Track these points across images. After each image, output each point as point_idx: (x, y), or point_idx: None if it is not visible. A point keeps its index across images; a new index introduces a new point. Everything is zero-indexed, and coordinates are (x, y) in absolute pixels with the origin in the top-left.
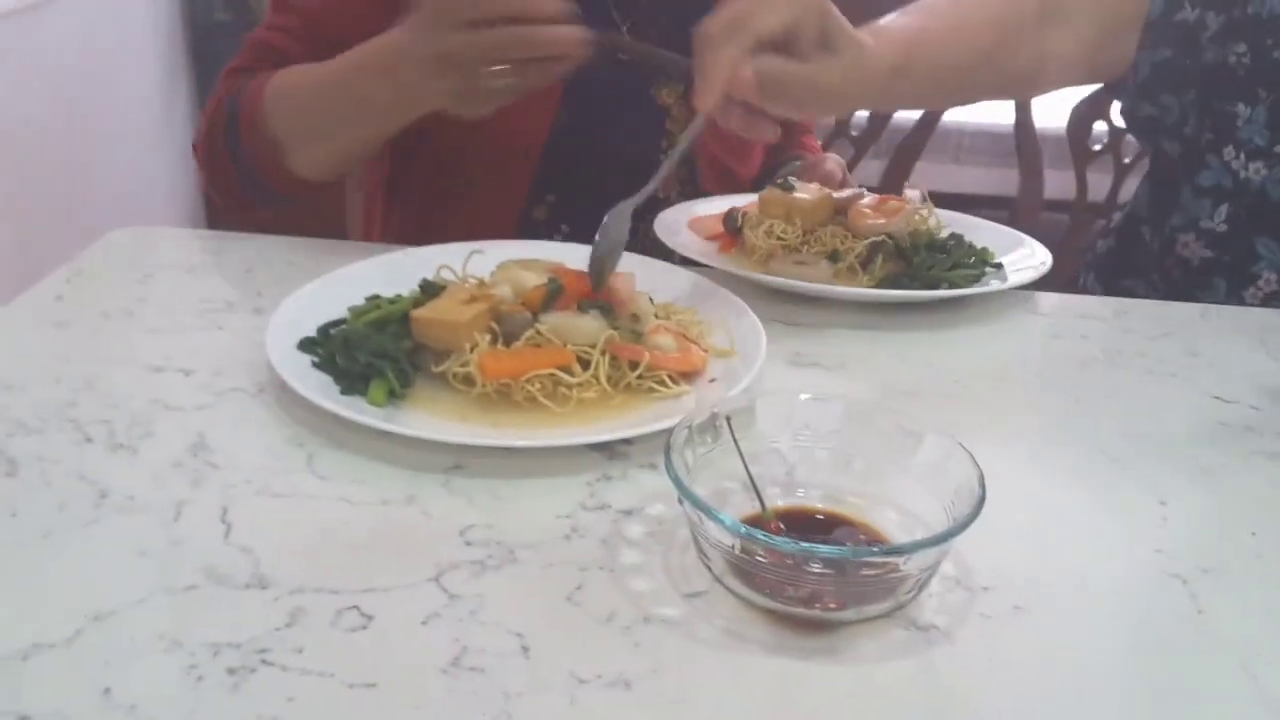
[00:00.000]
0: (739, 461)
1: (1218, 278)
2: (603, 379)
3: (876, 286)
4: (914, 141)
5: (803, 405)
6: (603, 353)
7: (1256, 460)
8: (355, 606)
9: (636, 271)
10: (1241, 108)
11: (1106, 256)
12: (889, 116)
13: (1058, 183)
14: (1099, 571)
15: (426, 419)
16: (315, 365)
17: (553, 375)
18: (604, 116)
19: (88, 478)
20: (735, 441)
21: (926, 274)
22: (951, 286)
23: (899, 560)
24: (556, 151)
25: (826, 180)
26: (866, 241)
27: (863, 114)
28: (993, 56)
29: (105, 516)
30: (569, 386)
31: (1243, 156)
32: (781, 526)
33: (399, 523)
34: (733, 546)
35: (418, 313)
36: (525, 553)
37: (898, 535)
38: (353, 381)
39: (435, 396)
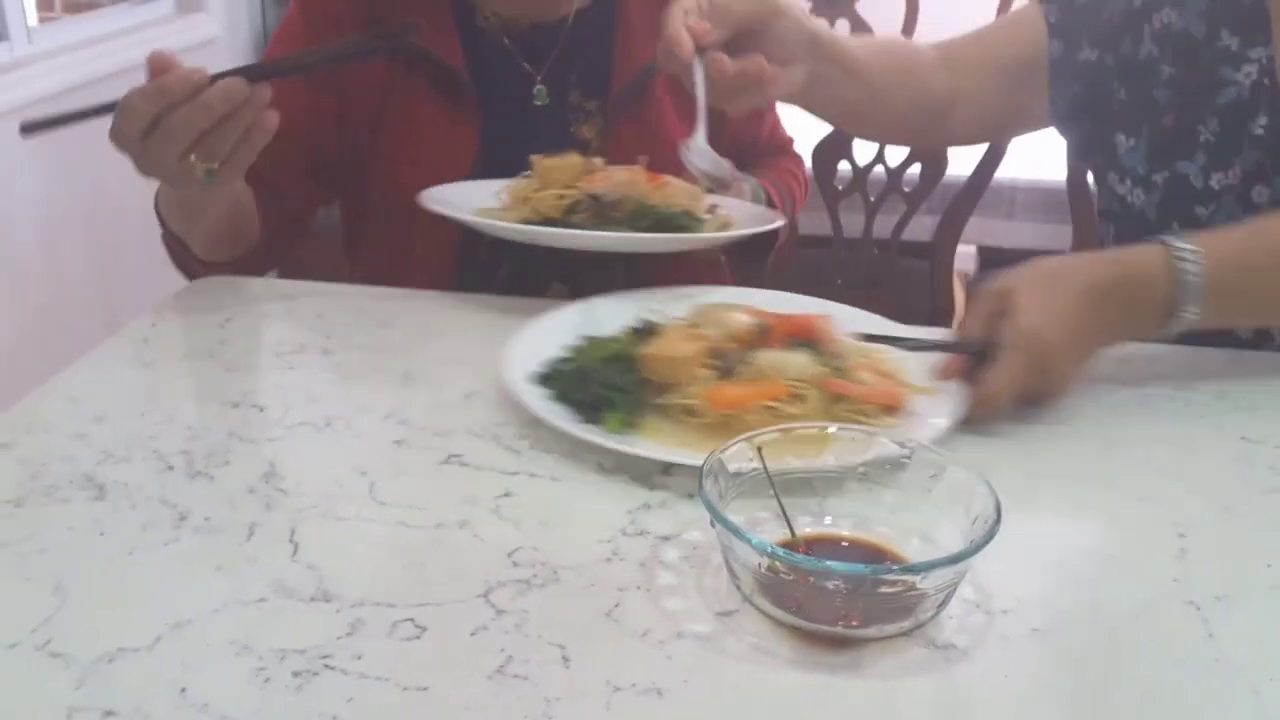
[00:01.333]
0: (770, 490)
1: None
2: (817, 411)
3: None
4: (967, 197)
5: (833, 436)
6: (816, 387)
7: (1278, 498)
8: (410, 619)
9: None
10: (1120, 138)
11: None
12: (941, 172)
13: None
14: (1115, 597)
15: (656, 445)
16: (551, 399)
17: (771, 407)
18: (523, 158)
19: (169, 501)
20: (767, 470)
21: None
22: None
23: (915, 579)
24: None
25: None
26: (569, 200)
27: (915, 169)
28: (908, 65)
29: (184, 536)
30: (788, 418)
31: (1128, 182)
32: (808, 551)
33: (452, 544)
34: (760, 566)
35: (646, 350)
36: (567, 573)
37: (919, 560)
38: (588, 412)
39: (661, 426)
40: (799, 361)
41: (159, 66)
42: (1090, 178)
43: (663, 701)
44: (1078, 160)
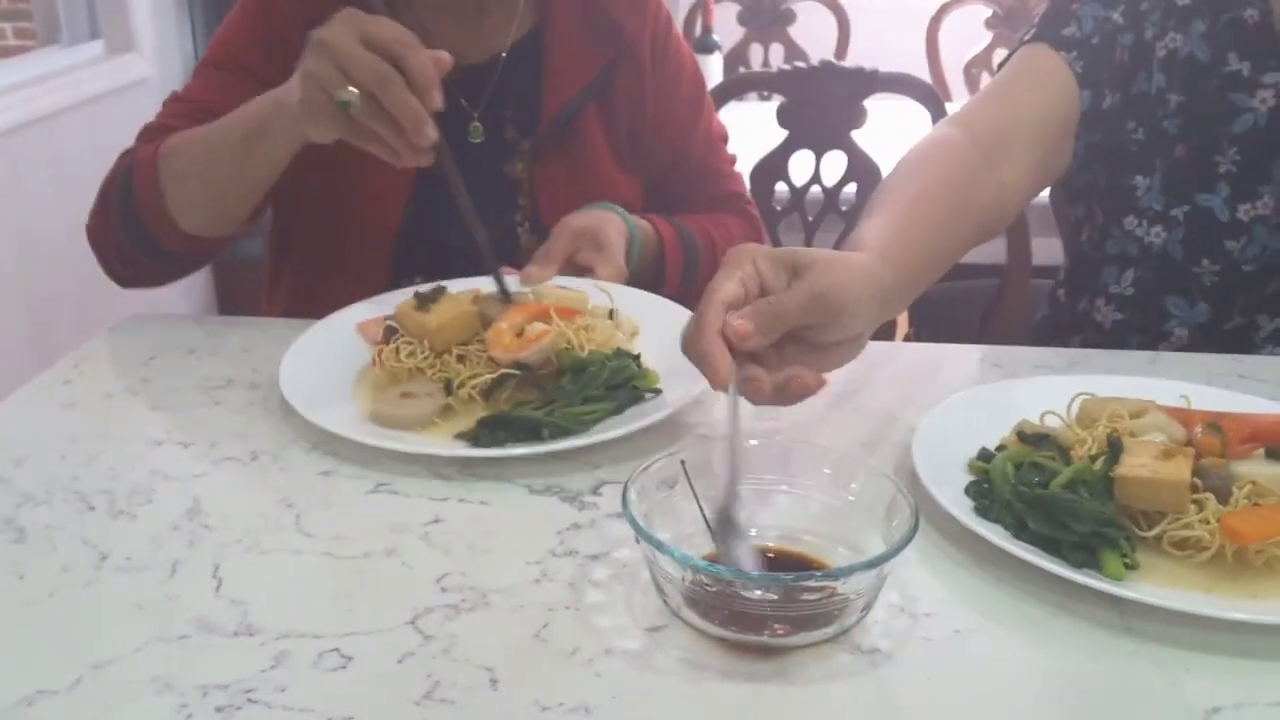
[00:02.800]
0: (696, 505)
1: (1130, 336)
2: None
3: (480, 426)
4: None
5: (755, 450)
6: None
7: None
8: (336, 649)
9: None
10: (1139, 179)
11: (1041, 325)
12: (875, 189)
13: (1046, 250)
14: (1036, 596)
15: (1162, 590)
16: (978, 512)
17: None
18: (481, 201)
19: (90, 542)
20: (691, 485)
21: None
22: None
23: (836, 584)
24: (413, 234)
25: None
26: (493, 375)
27: (851, 188)
28: (959, 212)
29: (105, 576)
30: None
31: (1145, 223)
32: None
33: (379, 573)
34: (683, 579)
35: (1127, 472)
36: (497, 596)
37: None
38: (1077, 553)
39: (1158, 565)
40: None
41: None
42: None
43: (591, 718)
44: (1071, 206)
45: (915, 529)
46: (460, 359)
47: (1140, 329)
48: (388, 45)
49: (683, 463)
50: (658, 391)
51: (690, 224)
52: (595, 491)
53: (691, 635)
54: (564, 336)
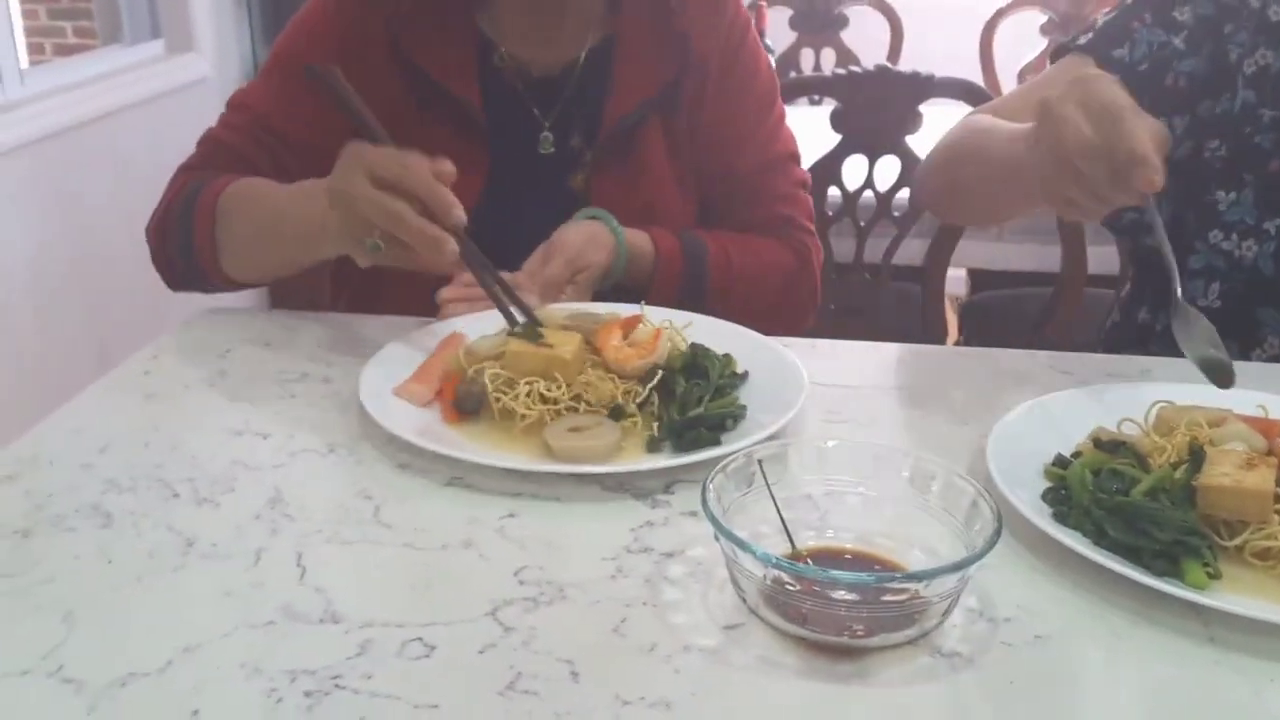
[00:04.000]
0: (772, 505)
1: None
2: None
3: (668, 434)
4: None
5: (832, 451)
6: None
7: None
8: (419, 638)
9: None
10: (1221, 194)
11: (1111, 330)
12: None
13: (1100, 258)
14: (1116, 603)
15: (1244, 599)
16: (1056, 518)
17: None
18: (522, 203)
19: (175, 529)
20: (768, 485)
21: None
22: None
23: (918, 586)
24: (479, 233)
25: (549, 290)
26: (647, 385)
27: (904, 194)
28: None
29: (191, 562)
30: None
31: (1234, 237)
32: (810, 562)
33: (458, 565)
34: (765, 578)
35: (1210, 481)
36: (574, 590)
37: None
38: (1160, 561)
39: (1234, 574)
40: None
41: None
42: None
43: (671, 714)
44: (1129, 233)
45: (999, 533)
46: (586, 384)
47: (1233, 335)
48: (394, 183)
49: (759, 462)
50: (745, 374)
51: (710, 240)
52: (668, 490)
53: (769, 634)
54: (669, 336)
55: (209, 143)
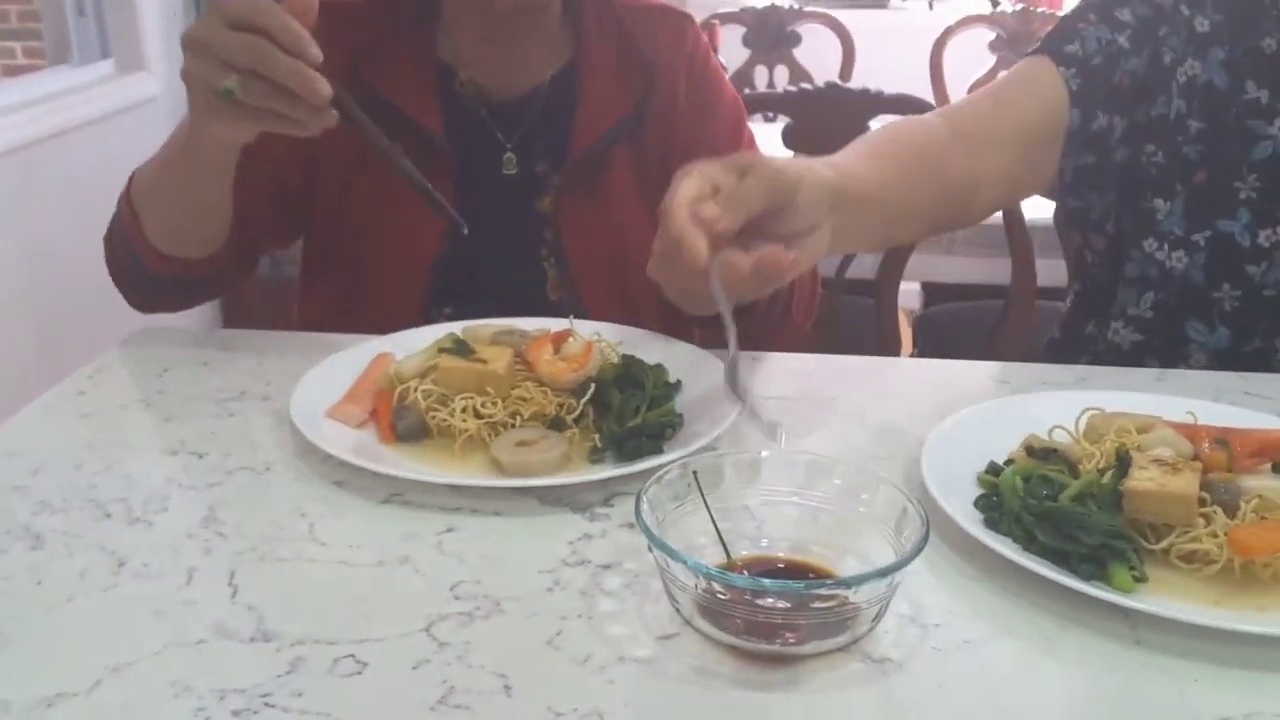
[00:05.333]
0: (707, 516)
1: (1149, 358)
2: None
3: (600, 450)
4: None
5: (767, 461)
6: None
7: None
8: (351, 655)
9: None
10: (1159, 202)
11: (1050, 345)
12: None
13: (1050, 270)
14: (1045, 607)
15: (1170, 602)
16: (987, 524)
17: None
18: (490, 226)
19: (107, 548)
20: (703, 496)
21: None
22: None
23: (847, 592)
24: (447, 265)
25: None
26: (581, 398)
27: None
28: (923, 163)
29: (123, 582)
30: None
31: (1165, 247)
32: (746, 573)
33: (393, 580)
34: (696, 588)
35: (1135, 485)
36: (510, 604)
37: None
38: (1086, 565)
39: (1161, 577)
40: None
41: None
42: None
43: None
44: (1070, 229)
45: (926, 539)
46: (521, 399)
47: (1159, 352)
48: (249, 20)
49: (694, 473)
50: (677, 383)
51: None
52: (606, 502)
53: (703, 644)
54: (600, 349)
55: None
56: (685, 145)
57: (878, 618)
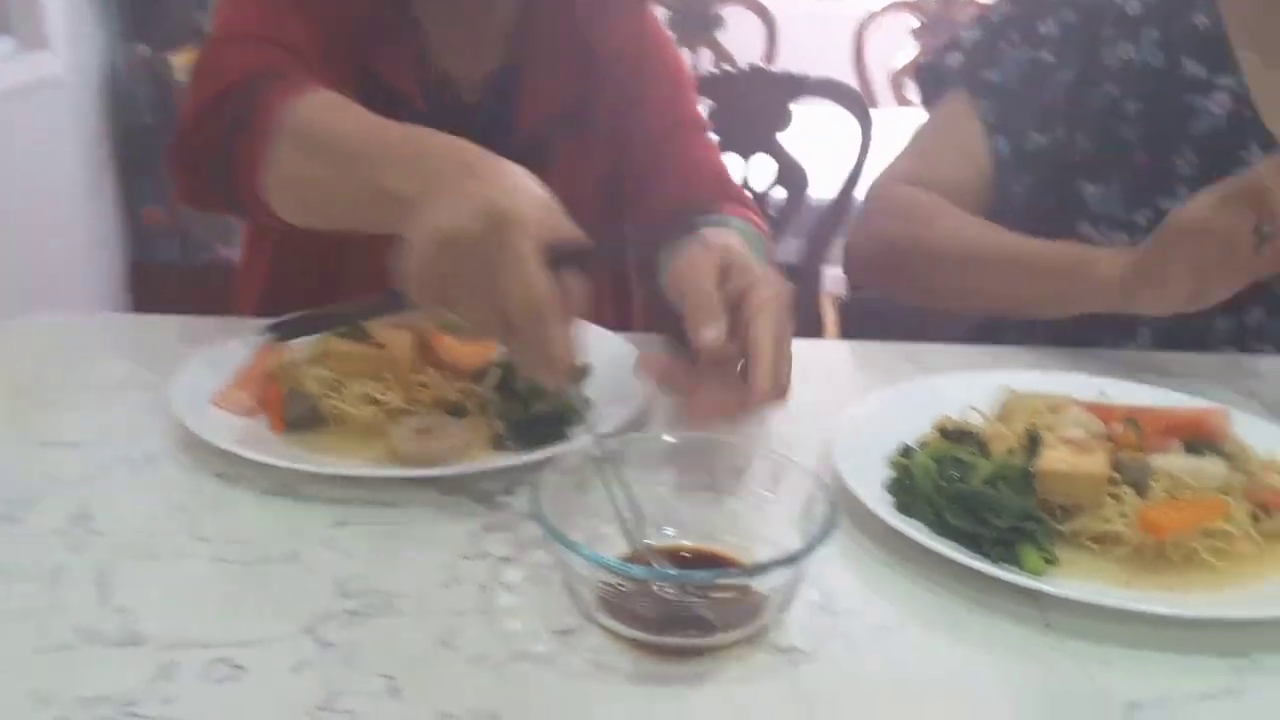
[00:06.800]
0: (612, 504)
1: (1095, 337)
2: (1249, 528)
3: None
4: (830, 219)
5: (676, 446)
6: (1240, 499)
7: None
8: (226, 658)
9: None
10: (1089, 188)
11: (979, 329)
12: (803, 195)
13: None
14: (957, 591)
15: (1081, 584)
16: (899, 508)
17: (1209, 528)
18: None
19: None
20: (606, 484)
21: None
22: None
23: (750, 581)
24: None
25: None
26: (486, 384)
27: (779, 193)
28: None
29: None
30: (1228, 539)
31: (1103, 228)
32: (650, 563)
33: (278, 578)
34: (595, 580)
35: (1045, 466)
36: (402, 601)
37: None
38: (996, 548)
39: (1072, 558)
40: (1215, 470)
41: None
42: None
43: None
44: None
45: (832, 525)
46: (421, 385)
47: (1104, 331)
48: (519, 313)
49: (598, 458)
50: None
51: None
52: (509, 491)
53: (605, 638)
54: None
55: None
56: (635, 124)
57: (785, 606)
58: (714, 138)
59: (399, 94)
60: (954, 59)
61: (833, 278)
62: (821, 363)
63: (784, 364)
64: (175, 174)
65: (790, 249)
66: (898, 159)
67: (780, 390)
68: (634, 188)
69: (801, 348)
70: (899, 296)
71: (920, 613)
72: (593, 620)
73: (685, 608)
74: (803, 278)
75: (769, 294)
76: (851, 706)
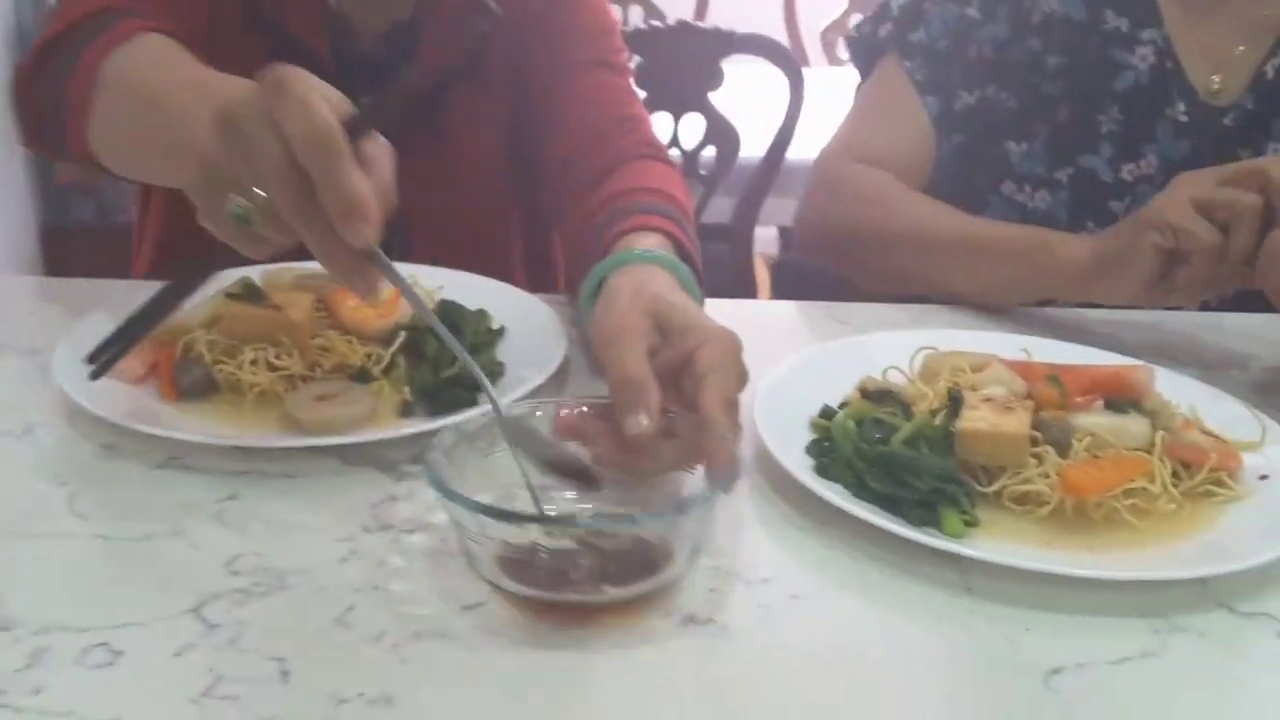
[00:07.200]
0: (519, 471)
1: None
2: (1169, 487)
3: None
4: (762, 178)
5: (583, 411)
6: (1162, 458)
7: None
8: (104, 643)
9: None
10: (1012, 145)
11: None
12: (735, 154)
13: None
14: (877, 557)
15: (1002, 546)
16: (818, 471)
17: (1130, 488)
18: None
19: None
20: (513, 448)
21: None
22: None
23: (639, 529)
24: None
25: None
26: (389, 348)
27: (709, 152)
28: None
29: None
30: (1150, 498)
31: (1027, 188)
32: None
33: (162, 556)
34: (484, 535)
35: (966, 426)
36: (296, 578)
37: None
38: (917, 510)
39: (993, 519)
40: (1138, 429)
41: None
42: None
43: (393, 710)
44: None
45: (734, 476)
46: (322, 349)
47: None
48: (303, 148)
49: (502, 422)
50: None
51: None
52: (415, 460)
53: (508, 613)
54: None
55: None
56: (542, 69)
57: (690, 560)
58: (638, 90)
59: (299, 41)
60: (885, 29)
61: (764, 238)
62: (747, 323)
63: (735, 430)
64: (16, 114)
65: (723, 209)
66: (841, 131)
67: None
68: (535, 126)
69: (727, 308)
70: (853, 278)
71: (839, 580)
72: (491, 585)
73: (579, 562)
74: (735, 238)
75: (718, 354)
76: (767, 678)
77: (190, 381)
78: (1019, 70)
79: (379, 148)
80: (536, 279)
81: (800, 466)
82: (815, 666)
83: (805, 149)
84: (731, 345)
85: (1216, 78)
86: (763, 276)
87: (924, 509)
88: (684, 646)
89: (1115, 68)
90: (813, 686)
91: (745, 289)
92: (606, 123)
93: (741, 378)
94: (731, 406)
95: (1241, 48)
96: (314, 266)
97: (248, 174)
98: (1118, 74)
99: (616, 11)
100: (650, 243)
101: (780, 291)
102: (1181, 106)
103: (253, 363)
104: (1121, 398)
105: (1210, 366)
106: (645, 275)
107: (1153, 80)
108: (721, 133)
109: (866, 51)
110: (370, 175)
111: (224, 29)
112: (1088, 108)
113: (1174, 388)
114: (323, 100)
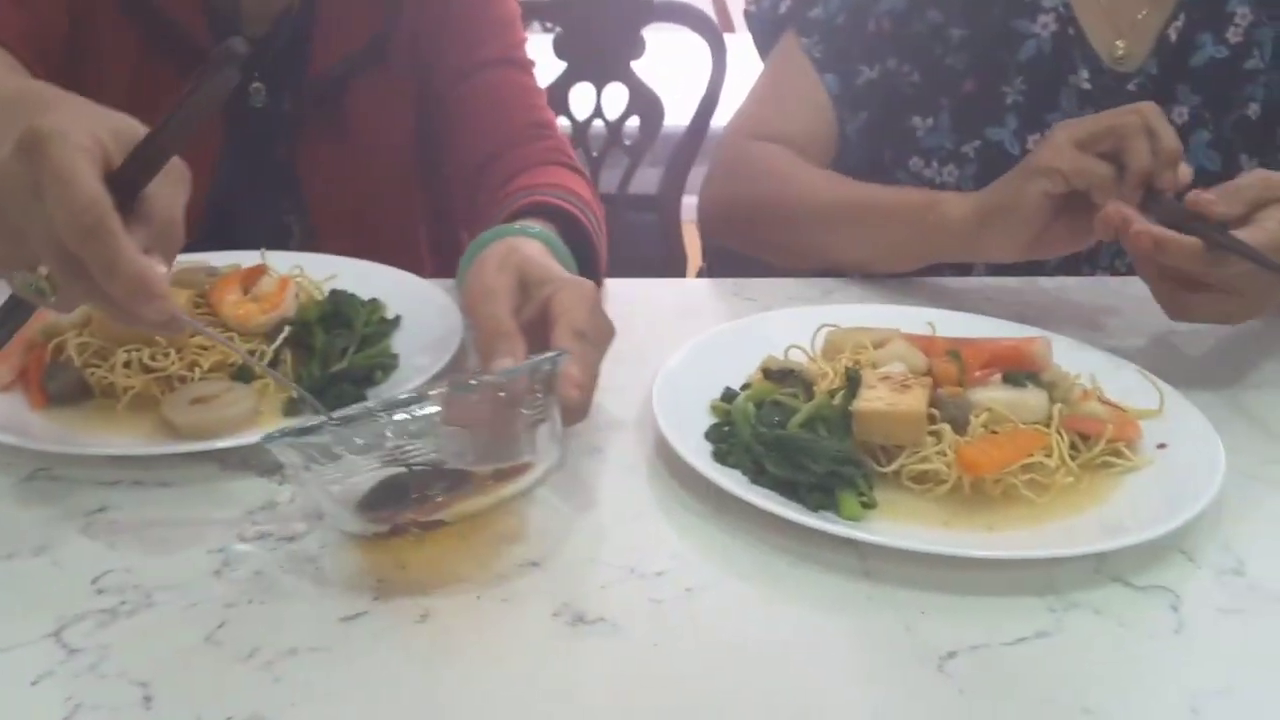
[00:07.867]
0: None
1: (931, 273)
2: (1067, 459)
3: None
4: (687, 148)
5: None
6: (1059, 430)
7: None
8: None
9: None
10: (918, 120)
11: None
12: (659, 124)
13: None
14: (775, 544)
15: (901, 527)
16: (716, 457)
17: (1028, 463)
18: (236, 174)
19: None
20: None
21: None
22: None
23: (432, 405)
24: (217, 208)
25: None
26: (273, 344)
27: (633, 122)
28: None
29: None
30: (1047, 472)
31: (934, 163)
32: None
33: (22, 576)
34: (326, 480)
35: (863, 406)
36: (165, 595)
37: None
38: (815, 495)
39: (893, 500)
40: (1036, 402)
41: None
42: None
43: None
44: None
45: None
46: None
47: (946, 268)
48: (69, 235)
49: (381, 414)
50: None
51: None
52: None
53: (393, 623)
54: (301, 286)
55: None
56: (448, 62)
57: (551, 437)
58: (559, 61)
59: (177, 27)
60: (784, 5)
61: (692, 206)
62: (650, 302)
63: (590, 374)
64: None
65: (649, 179)
66: (742, 110)
67: (584, 403)
68: (440, 126)
69: (629, 287)
70: (758, 255)
71: (736, 570)
72: (358, 536)
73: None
74: (662, 207)
75: (570, 298)
76: (659, 677)
77: (60, 386)
78: (920, 42)
79: (167, 182)
80: (444, 266)
81: (698, 453)
82: (708, 662)
83: (730, 117)
84: (587, 292)
85: (1120, 43)
86: (693, 245)
87: (821, 493)
88: (572, 648)
89: (1018, 37)
90: (704, 683)
91: (675, 259)
92: (516, 129)
93: (601, 328)
94: (585, 342)
95: (1144, 12)
96: (192, 259)
97: (20, 257)
98: (1020, 43)
99: None
100: (532, 222)
101: (709, 259)
102: (1085, 74)
103: (126, 365)
104: (1020, 370)
105: (1114, 334)
106: (516, 244)
107: (1055, 48)
108: (645, 102)
109: (765, 28)
110: (152, 225)
111: (99, 13)
112: (992, 79)
113: (1075, 358)
114: (88, 165)
